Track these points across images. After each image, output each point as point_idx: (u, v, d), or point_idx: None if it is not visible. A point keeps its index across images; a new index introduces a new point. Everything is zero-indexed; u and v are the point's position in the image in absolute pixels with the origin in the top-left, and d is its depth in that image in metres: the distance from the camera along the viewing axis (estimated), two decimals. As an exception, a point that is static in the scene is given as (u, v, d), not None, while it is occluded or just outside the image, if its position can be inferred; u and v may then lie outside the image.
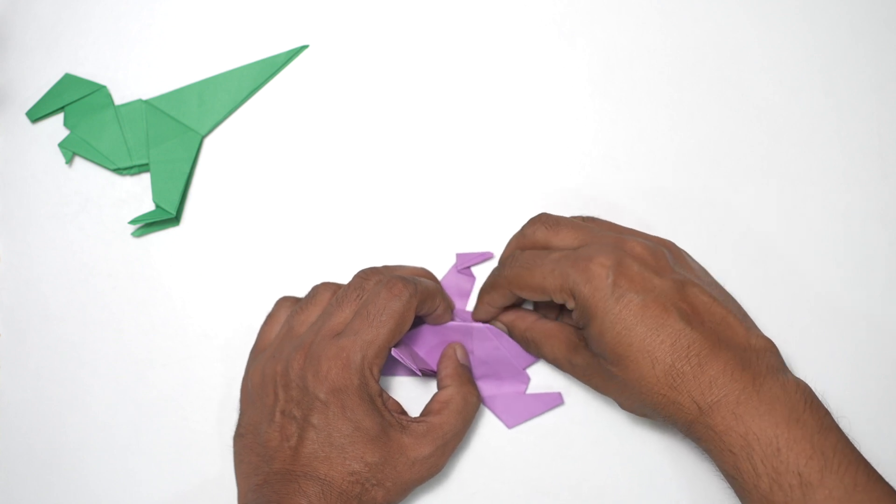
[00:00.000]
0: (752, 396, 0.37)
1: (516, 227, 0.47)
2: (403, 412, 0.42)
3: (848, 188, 0.48)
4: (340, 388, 0.39)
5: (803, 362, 0.46)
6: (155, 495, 0.46)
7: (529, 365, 0.45)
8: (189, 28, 0.52)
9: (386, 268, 0.45)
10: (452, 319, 0.45)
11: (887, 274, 0.47)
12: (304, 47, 0.51)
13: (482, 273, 0.47)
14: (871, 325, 0.46)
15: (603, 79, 0.50)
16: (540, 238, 0.43)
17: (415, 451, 0.40)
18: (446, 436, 0.41)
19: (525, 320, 0.44)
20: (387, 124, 0.50)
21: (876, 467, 0.37)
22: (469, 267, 0.46)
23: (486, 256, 0.46)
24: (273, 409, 0.40)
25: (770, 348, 0.39)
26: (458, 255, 0.47)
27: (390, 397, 0.42)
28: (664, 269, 0.40)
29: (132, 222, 0.49)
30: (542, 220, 0.43)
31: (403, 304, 0.41)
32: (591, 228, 0.43)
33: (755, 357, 0.38)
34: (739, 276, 0.47)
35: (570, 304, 0.40)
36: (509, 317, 0.45)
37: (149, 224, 0.49)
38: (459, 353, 0.44)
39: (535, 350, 0.44)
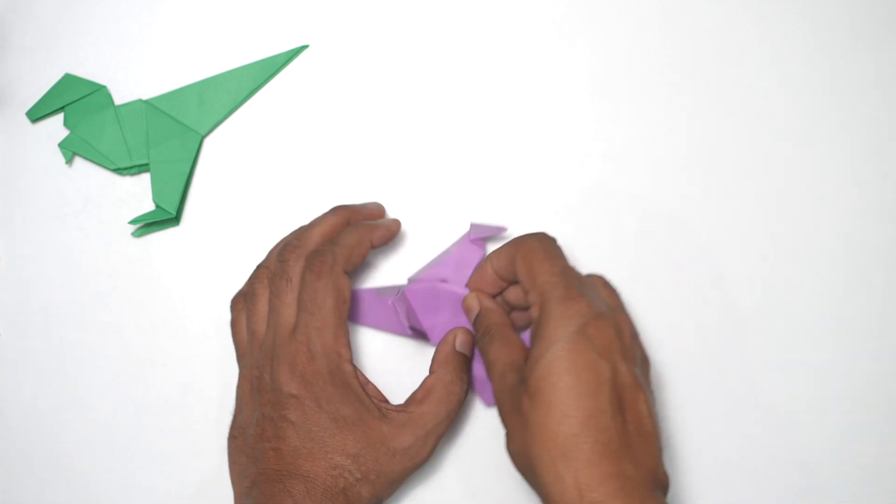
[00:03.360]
0: None
1: (516, 226, 0.48)
2: (384, 400, 0.41)
3: (848, 188, 0.48)
4: (310, 379, 0.39)
5: (804, 362, 0.46)
6: (155, 495, 0.46)
7: None
8: (189, 28, 0.52)
9: (298, 238, 0.44)
10: (398, 231, 0.44)
11: (887, 274, 0.47)
12: (304, 47, 0.51)
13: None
14: (872, 325, 0.46)
15: (603, 79, 0.50)
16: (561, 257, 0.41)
17: (395, 441, 0.39)
18: (427, 425, 0.40)
19: (499, 314, 0.42)
20: (387, 125, 0.50)
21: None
22: (481, 239, 0.45)
23: (500, 230, 0.45)
24: (254, 412, 0.41)
25: (666, 487, 0.36)
26: (473, 225, 0.45)
27: (370, 382, 0.42)
28: (631, 361, 0.37)
29: (132, 222, 0.49)
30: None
31: (331, 279, 0.41)
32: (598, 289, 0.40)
33: (652, 486, 0.35)
34: (739, 276, 0.47)
35: (534, 313, 0.38)
36: (488, 303, 0.42)
37: (149, 224, 0.49)
38: (459, 340, 0.43)
39: (484, 343, 0.41)
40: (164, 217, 0.49)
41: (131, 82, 0.51)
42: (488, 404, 0.45)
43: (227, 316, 0.48)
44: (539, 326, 0.37)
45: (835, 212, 0.48)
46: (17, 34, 0.52)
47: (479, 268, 0.43)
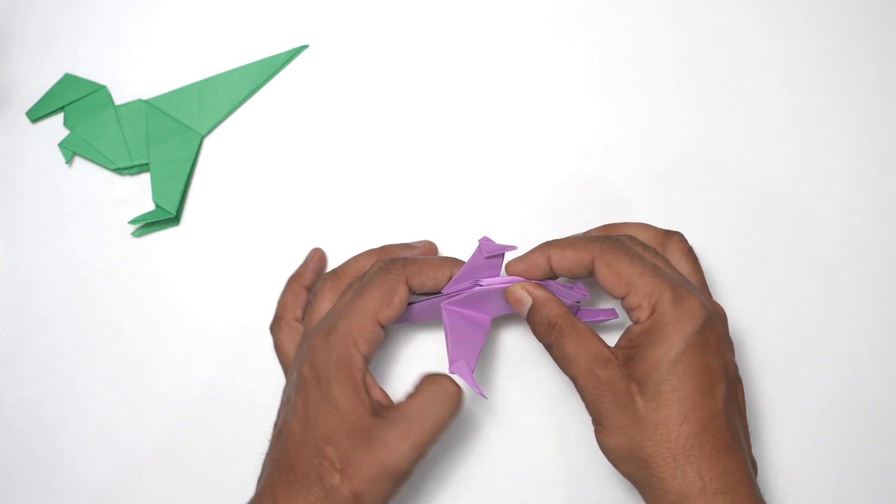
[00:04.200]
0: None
1: (515, 227, 0.48)
2: (387, 402, 0.40)
3: (848, 188, 0.48)
4: (320, 362, 0.39)
5: (803, 361, 0.46)
6: (155, 495, 0.46)
7: None
8: (189, 28, 0.52)
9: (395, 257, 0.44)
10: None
11: (887, 274, 0.47)
12: (304, 47, 0.51)
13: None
14: (872, 325, 0.46)
15: (603, 78, 0.50)
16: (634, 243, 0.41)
17: (377, 432, 0.38)
18: (411, 419, 0.38)
19: (558, 304, 0.41)
20: (387, 125, 0.50)
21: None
22: (495, 255, 0.43)
23: (509, 248, 0.42)
24: (283, 396, 0.41)
25: (756, 470, 0.39)
26: (483, 242, 0.42)
27: (378, 386, 0.40)
28: (733, 352, 0.40)
29: (132, 222, 0.49)
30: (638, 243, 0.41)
31: (389, 278, 0.40)
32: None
33: (752, 470, 0.38)
34: (740, 276, 0.47)
35: (642, 315, 0.38)
36: (541, 293, 0.41)
37: (149, 224, 0.49)
38: None
39: (554, 338, 0.40)
40: (164, 217, 0.49)
41: (131, 82, 0.51)
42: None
43: (227, 316, 0.48)
44: (654, 329, 0.37)
45: (835, 212, 0.48)
46: (17, 34, 0.52)
47: (530, 258, 0.41)
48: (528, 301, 0.41)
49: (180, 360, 0.48)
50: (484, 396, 0.42)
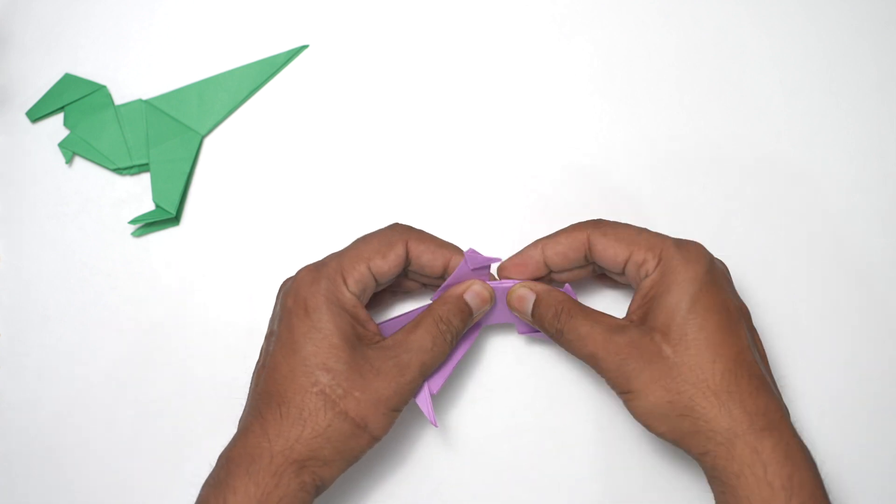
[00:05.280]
0: (799, 445, 0.36)
1: (516, 226, 0.48)
2: (382, 337, 0.40)
3: (848, 188, 0.48)
4: (307, 293, 0.39)
5: (802, 361, 0.46)
6: (155, 495, 0.46)
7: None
8: (189, 28, 0.52)
9: None
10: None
11: (887, 274, 0.47)
12: (304, 47, 0.51)
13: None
14: (872, 325, 0.46)
15: (603, 78, 0.50)
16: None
17: (378, 361, 0.38)
18: (411, 349, 0.39)
19: (562, 293, 0.41)
20: (387, 124, 0.50)
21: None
22: (482, 267, 0.43)
23: (495, 260, 0.43)
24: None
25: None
26: (469, 254, 0.42)
27: (371, 319, 0.40)
28: (741, 301, 0.41)
29: (132, 222, 0.49)
30: None
31: (391, 231, 0.41)
32: None
33: (786, 412, 0.38)
34: (739, 277, 0.47)
35: (650, 267, 0.38)
36: (541, 286, 0.42)
37: (149, 224, 0.49)
38: (470, 291, 0.41)
39: (563, 321, 0.40)
40: (163, 217, 0.49)
41: (131, 82, 0.51)
42: (521, 332, 0.44)
43: (227, 316, 0.48)
44: (665, 275, 0.38)
45: (835, 212, 0.48)
46: (17, 34, 0.52)
47: (524, 254, 0.42)
48: (531, 297, 0.41)
49: (180, 360, 0.48)
50: (435, 426, 0.42)
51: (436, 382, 0.41)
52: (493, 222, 0.48)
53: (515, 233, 0.47)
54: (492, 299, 0.42)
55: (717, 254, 0.46)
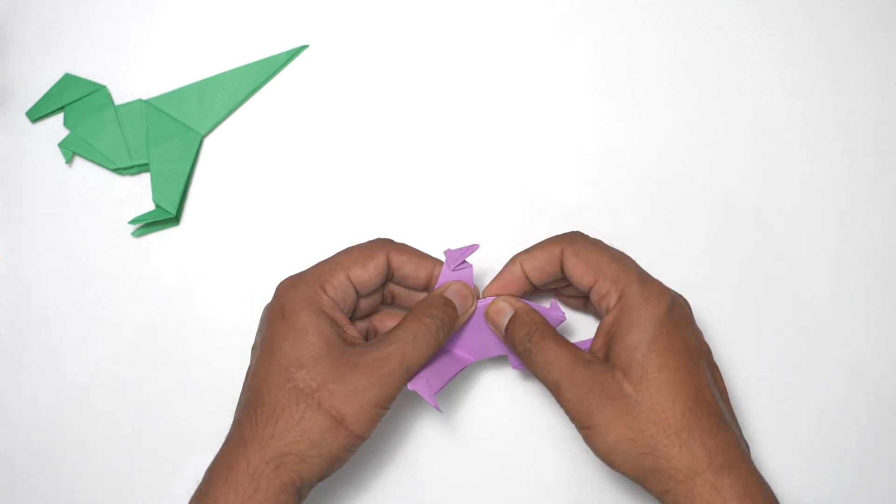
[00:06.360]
0: (759, 482, 0.36)
1: (516, 226, 0.48)
2: (359, 338, 0.40)
3: (848, 188, 0.48)
4: (286, 301, 0.39)
5: (802, 360, 0.46)
6: (155, 495, 0.46)
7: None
8: (189, 28, 0.52)
9: None
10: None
11: (887, 274, 0.47)
12: (304, 47, 0.51)
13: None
14: (872, 325, 0.46)
15: (603, 78, 0.50)
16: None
17: (356, 356, 0.38)
18: (391, 343, 0.39)
19: (537, 313, 0.41)
20: (387, 124, 0.50)
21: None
22: (462, 262, 0.43)
23: (473, 249, 0.42)
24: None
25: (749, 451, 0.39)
26: (448, 253, 0.42)
27: (351, 324, 0.40)
28: (700, 333, 0.40)
29: (132, 222, 0.49)
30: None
31: (371, 243, 0.41)
32: None
33: (746, 448, 0.38)
34: (739, 276, 0.47)
35: (611, 302, 0.39)
36: (521, 304, 0.42)
37: (149, 224, 0.49)
38: (451, 289, 0.41)
39: (534, 342, 0.40)
40: (163, 217, 0.49)
41: (131, 82, 0.51)
42: (515, 367, 0.44)
43: (227, 316, 0.48)
44: (625, 313, 0.38)
45: (835, 212, 0.48)
46: (17, 34, 0.52)
47: (505, 272, 0.42)
48: (509, 311, 0.41)
49: (180, 360, 0.48)
50: (440, 410, 0.41)
51: (434, 386, 0.41)
52: (493, 222, 0.48)
53: (515, 233, 0.47)
54: (472, 296, 0.42)
55: (716, 253, 0.47)
